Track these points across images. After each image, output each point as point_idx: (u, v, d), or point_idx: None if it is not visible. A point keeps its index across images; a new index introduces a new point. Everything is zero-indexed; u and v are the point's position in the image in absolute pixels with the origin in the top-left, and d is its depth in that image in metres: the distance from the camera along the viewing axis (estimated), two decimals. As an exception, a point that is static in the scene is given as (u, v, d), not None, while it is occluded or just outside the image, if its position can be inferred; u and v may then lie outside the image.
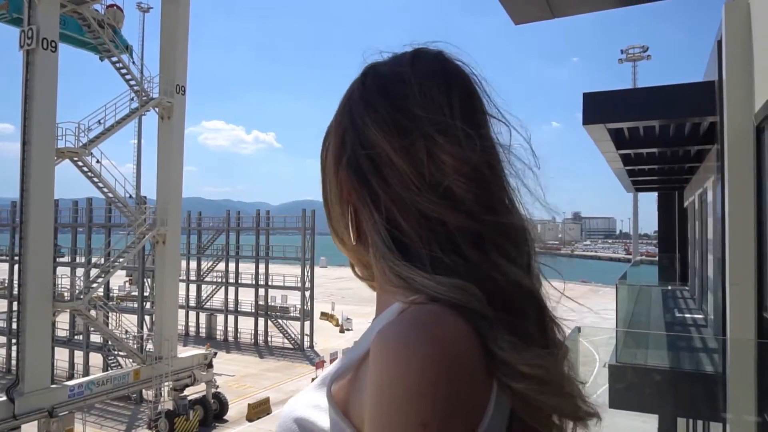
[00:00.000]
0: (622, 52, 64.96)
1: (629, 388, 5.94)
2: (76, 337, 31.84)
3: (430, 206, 0.71)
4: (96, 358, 30.13)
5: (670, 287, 15.66)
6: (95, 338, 29.92)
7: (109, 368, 27.50)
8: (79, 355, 31.14)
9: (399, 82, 0.77)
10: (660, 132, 8.14)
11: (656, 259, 23.92)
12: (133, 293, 42.90)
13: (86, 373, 28.54)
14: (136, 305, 31.83)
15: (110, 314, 26.30)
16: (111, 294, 35.63)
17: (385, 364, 0.61)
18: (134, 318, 28.64)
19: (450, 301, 0.66)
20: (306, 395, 0.76)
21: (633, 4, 3.22)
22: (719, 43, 5.55)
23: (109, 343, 26.75)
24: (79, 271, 29.30)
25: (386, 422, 0.59)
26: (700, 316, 10.15)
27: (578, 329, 3.64)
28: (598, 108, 6.89)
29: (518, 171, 0.77)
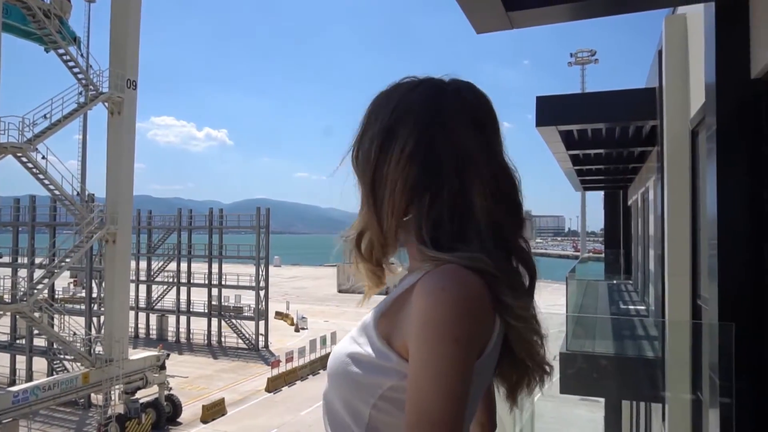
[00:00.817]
0: (571, 55, 67.27)
1: (578, 374, 6.34)
2: (17, 341, 30.41)
3: (498, 209, 0.98)
4: (40, 363, 28.86)
5: (615, 281, 16.49)
6: (39, 342, 28.69)
7: (54, 373, 26.38)
8: (21, 360, 29.75)
9: (486, 116, 1.04)
10: (606, 134, 8.66)
11: (602, 255, 25.01)
12: (78, 295, 41.35)
13: (29, 378, 27.30)
14: (81, 307, 30.67)
15: (55, 316, 25.29)
16: (55, 296, 34.17)
17: (428, 302, 0.86)
18: (81, 320, 27.62)
19: (466, 264, 0.91)
20: (351, 337, 1.00)
21: (585, 18, 3.52)
22: (660, 52, 6.02)
23: (55, 346, 25.71)
24: (22, 272, 27.97)
25: (429, 341, 0.84)
26: (642, 307, 10.80)
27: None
28: (550, 111, 7.33)
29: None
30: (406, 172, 0.98)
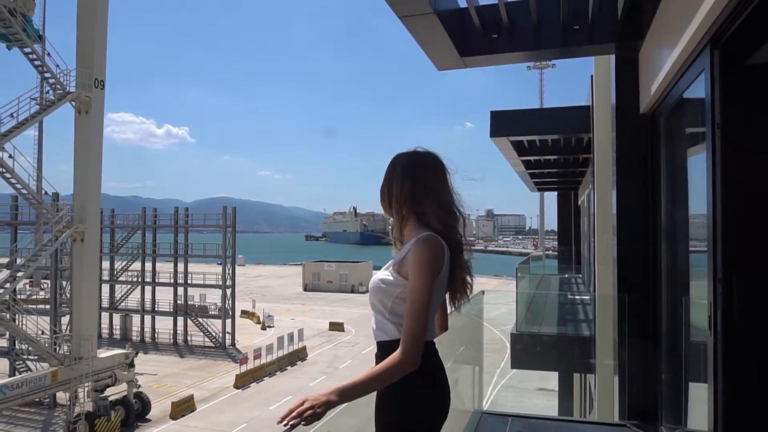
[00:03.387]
0: (530, 60, 69.31)
1: (524, 350, 7.40)
2: (-23, 342, 29.89)
3: (446, 213, 2.03)
4: (1, 364, 28.50)
5: (566, 275, 17.86)
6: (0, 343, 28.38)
7: (17, 373, 26.19)
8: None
9: (441, 168, 2.08)
10: (552, 144, 9.81)
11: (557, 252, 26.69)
12: (35, 296, 40.57)
13: (-8, 379, 26.99)
14: (41, 307, 30.32)
15: (18, 316, 25.13)
16: (14, 297, 33.56)
17: (418, 250, 1.89)
18: (43, 320, 27.40)
19: (435, 233, 1.94)
20: (382, 271, 2.01)
21: (524, 62, 4.52)
22: (592, 77, 7.12)
23: (17, 346, 25.56)
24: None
25: (418, 268, 1.86)
26: (587, 297, 12.04)
27: (482, 292, 4.87)
28: (503, 124, 8.41)
29: (460, 200, 2.07)
30: (413, 198, 2.03)
